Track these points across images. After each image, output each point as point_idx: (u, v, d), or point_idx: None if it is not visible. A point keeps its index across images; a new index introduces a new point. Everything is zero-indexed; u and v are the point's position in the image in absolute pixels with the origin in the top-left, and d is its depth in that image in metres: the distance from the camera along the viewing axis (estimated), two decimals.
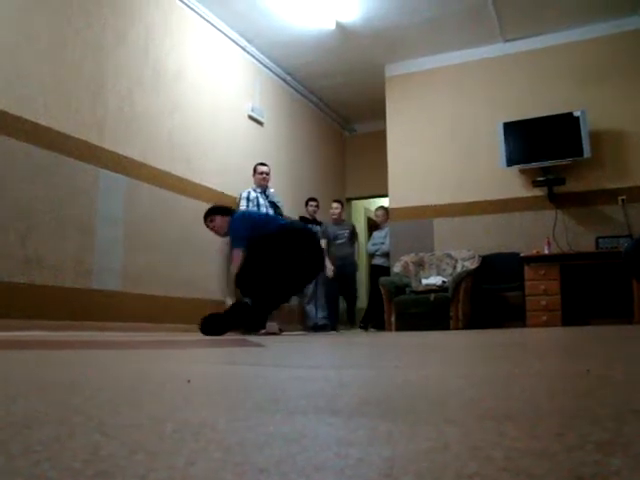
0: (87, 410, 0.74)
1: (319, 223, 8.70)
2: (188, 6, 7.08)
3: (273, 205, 7.56)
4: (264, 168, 7.62)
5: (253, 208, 7.43)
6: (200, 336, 4.72)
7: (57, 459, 0.46)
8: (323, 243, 8.60)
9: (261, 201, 7.48)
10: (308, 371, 1.42)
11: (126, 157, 5.97)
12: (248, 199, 7.41)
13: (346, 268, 8.68)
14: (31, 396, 0.89)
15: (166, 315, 6.31)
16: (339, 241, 8.86)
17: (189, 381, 1.10)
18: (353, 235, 9.07)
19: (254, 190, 7.49)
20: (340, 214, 9.02)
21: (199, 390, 0.99)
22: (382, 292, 7.47)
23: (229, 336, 5.95)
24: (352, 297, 9.19)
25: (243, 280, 5.11)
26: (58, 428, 0.60)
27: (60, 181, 5.22)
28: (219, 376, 1.29)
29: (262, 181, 7.55)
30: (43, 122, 5.11)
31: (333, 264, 8.08)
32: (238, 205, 7.43)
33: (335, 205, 9.04)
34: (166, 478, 0.41)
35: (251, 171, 7.69)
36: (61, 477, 0.41)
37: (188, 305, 6.53)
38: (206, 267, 6.97)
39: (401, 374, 1.29)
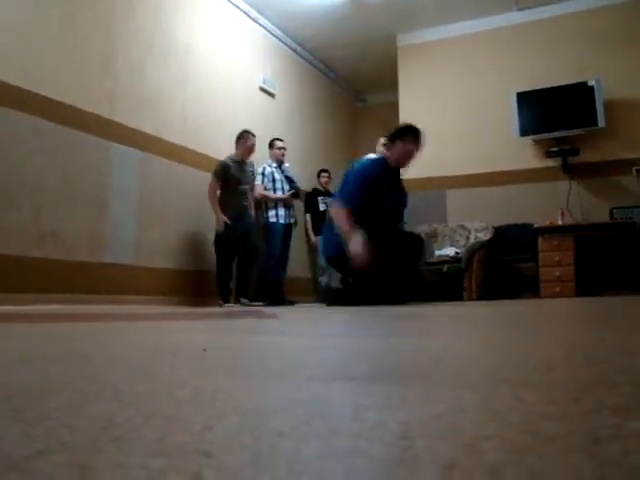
0: (102, 379, 0.74)
1: (332, 194, 8.68)
2: None
3: (288, 180, 7.55)
4: (281, 143, 7.59)
5: (269, 184, 7.40)
6: (211, 308, 4.72)
7: (73, 426, 0.47)
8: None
9: (277, 176, 7.47)
10: (323, 340, 1.42)
11: (138, 130, 5.96)
12: (263, 174, 7.39)
13: None
14: (47, 367, 0.89)
15: (179, 288, 6.35)
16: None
17: (204, 350, 1.10)
18: None
19: (269, 165, 7.47)
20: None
21: (214, 359, 0.99)
22: None
23: (243, 308, 5.99)
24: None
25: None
26: (74, 396, 0.61)
27: (72, 156, 5.23)
28: (234, 346, 1.30)
29: (280, 156, 7.52)
30: (54, 96, 5.10)
31: None
32: (254, 180, 7.42)
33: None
34: (183, 442, 0.41)
35: (263, 143, 7.67)
36: (77, 443, 0.41)
37: (201, 278, 6.56)
38: None
39: (416, 343, 1.29)
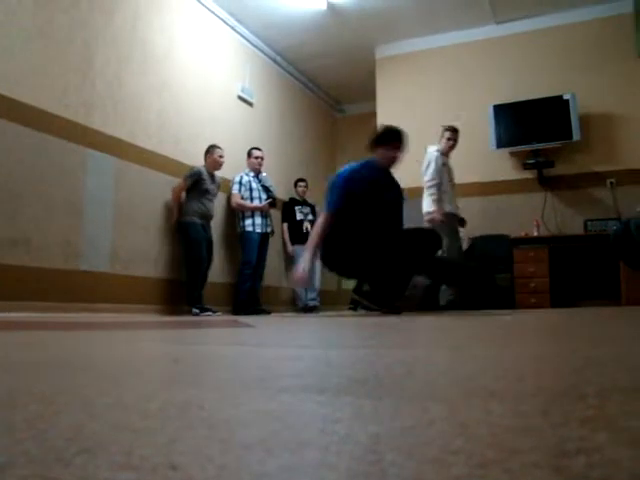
0: (72, 390, 0.73)
1: (309, 204, 8.70)
2: None
3: (266, 189, 7.56)
4: (259, 153, 7.61)
5: (246, 193, 7.41)
6: (188, 317, 4.69)
7: (40, 437, 0.46)
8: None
9: (254, 185, 7.48)
10: (296, 350, 1.42)
11: (114, 137, 5.93)
12: (241, 183, 7.41)
13: None
14: (16, 376, 0.88)
15: (156, 296, 6.31)
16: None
17: (176, 361, 1.10)
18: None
19: (246, 174, 7.49)
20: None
21: (186, 369, 0.98)
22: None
23: (219, 317, 5.97)
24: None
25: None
26: (43, 407, 0.60)
27: (48, 162, 5.19)
28: (207, 356, 1.29)
29: (257, 165, 7.55)
30: (30, 102, 5.06)
31: None
32: (230, 189, 7.43)
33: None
34: (150, 454, 0.41)
35: (240, 152, 7.68)
36: (44, 455, 0.41)
37: (177, 286, 6.52)
38: None
39: (389, 354, 1.30)
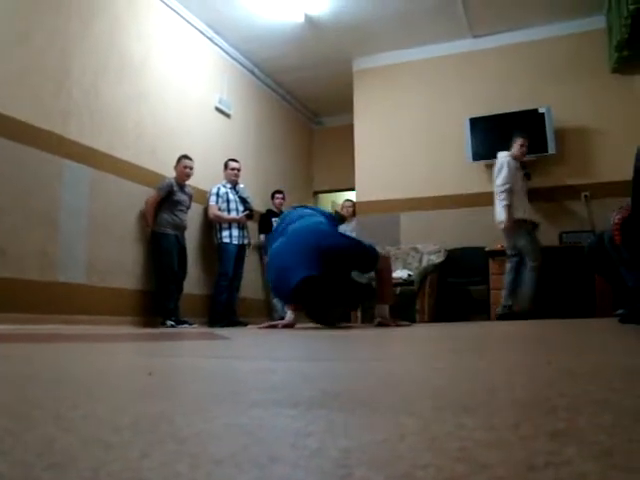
0: (45, 403, 0.73)
1: None
2: None
3: (243, 201, 7.56)
4: (235, 164, 7.62)
5: (223, 204, 7.41)
6: (164, 329, 4.65)
7: (10, 453, 0.46)
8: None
9: (231, 197, 7.48)
10: (271, 363, 1.41)
11: (91, 148, 5.90)
12: (218, 195, 7.41)
13: None
14: None
15: (132, 308, 6.27)
16: None
17: (150, 374, 1.09)
18: None
19: (224, 186, 7.50)
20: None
21: (160, 383, 0.98)
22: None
23: (195, 329, 5.93)
24: None
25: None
26: (13, 422, 0.60)
27: (23, 172, 5.14)
28: (181, 369, 1.29)
29: (233, 177, 7.57)
30: (6, 111, 5.02)
31: None
32: (208, 200, 7.42)
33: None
34: (119, 470, 0.41)
35: (217, 163, 7.68)
36: (12, 471, 0.41)
37: (154, 298, 6.48)
38: None
39: (363, 367, 1.30)
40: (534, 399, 0.73)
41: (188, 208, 6.83)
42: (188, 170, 6.76)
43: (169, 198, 6.51)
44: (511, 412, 0.63)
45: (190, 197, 6.87)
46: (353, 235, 8.70)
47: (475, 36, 8.24)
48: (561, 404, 0.67)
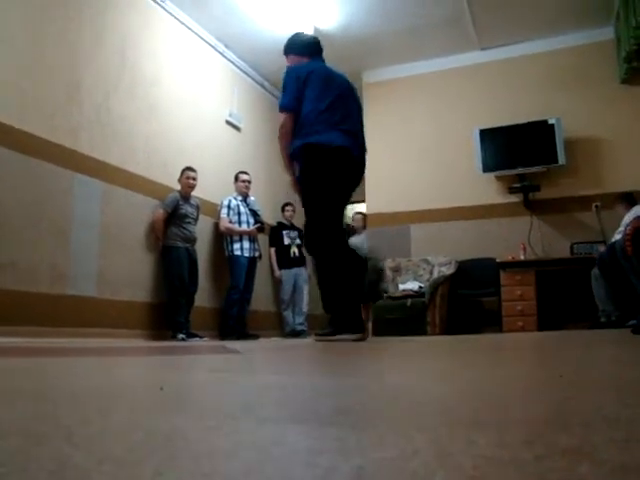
0: (56, 419, 0.73)
1: (296, 228, 8.70)
2: (166, 10, 7.06)
3: (253, 213, 7.58)
4: (246, 177, 7.65)
5: (234, 217, 7.42)
6: (175, 342, 4.66)
7: (22, 471, 0.46)
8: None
9: (242, 209, 7.50)
10: (282, 378, 1.41)
11: (102, 161, 5.92)
12: (229, 207, 7.43)
13: None
14: None
15: (143, 321, 6.27)
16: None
17: (162, 388, 1.09)
18: None
19: (235, 198, 7.52)
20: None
21: (171, 398, 0.98)
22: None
23: (206, 342, 5.93)
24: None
25: None
26: (25, 439, 0.59)
27: (35, 185, 5.17)
28: (192, 383, 1.29)
29: (244, 189, 7.59)
30: (18, 125, 5.05)
31: None
32: (219, 213, 7.44)
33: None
34: None
35: (228, 176, 7.70)
36: None
37: (165, 311, 6.48)
38: None
39: (374, 382, 1.29)
40: (546, 415, 0.73)
41: (196, 220, 6.84)
42: (191, 181, 6.75)
43: (176, 212, 6.53)
44: (524, 428, 0.63)
45: (197, 209, 6.88)
46: (363, 247, 8.70)
47: (483, 48, 8.25)
48: (574, 420, 0.66)
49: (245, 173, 7.71)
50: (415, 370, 1.75)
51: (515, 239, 7.57)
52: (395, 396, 0.97)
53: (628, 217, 5.95)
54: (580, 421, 0.66)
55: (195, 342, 5.96)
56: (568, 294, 7.10)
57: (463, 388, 1.09)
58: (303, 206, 4.34)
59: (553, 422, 0.66)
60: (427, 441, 0.56)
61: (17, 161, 5.02)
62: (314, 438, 0.58)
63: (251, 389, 1.12)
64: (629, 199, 6.45)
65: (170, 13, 7.13)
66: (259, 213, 7.67)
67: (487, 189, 7.96)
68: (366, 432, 0.61)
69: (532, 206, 7.66)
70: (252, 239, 7.52)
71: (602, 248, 6.45)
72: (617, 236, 5.87)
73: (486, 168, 7.80)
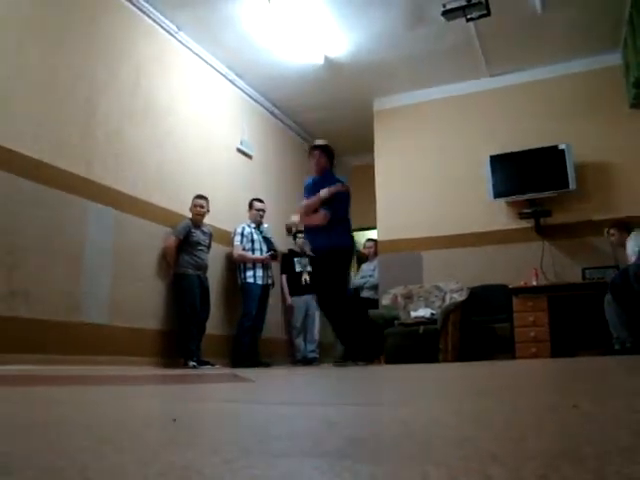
0: (71, 453, 0.73)
1: (307, 255, 8.70)
2: (179, 41, 7.15)
3: (267, 241, 7.60)
4: (261, 205, 7.69)
5: (247, 244, 7.44)
6: (188, 370, 4.65)
7: None
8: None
9: (255, 237, 7.52)
10: (296, 409, 1.41)
11: (114, 189, 5.96)
12: (242, 234, 7.45)
13: None
14: (13, 437, 0.88)
15: (155, 349, 6.27)
16: None
17: (175, 420, 1.09)
18: None
19: (248, 226, 7.55)
20: None
21: (185, 430, 0.98)
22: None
23: (218, 370, 5.92)
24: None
25: None
26: (39, 473, 0.59)
27: (48, 213, 5.21)
28: (206, 414, 1.28)
29: (258, 217, 7.62)
30: (31, 154, 5.10)
31: None
32: (232, 240, 7.46)
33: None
34: None
35: (240, 204, 7.74)
36: None
37: (177, 338, 6.48)
38: None
39: (388, 411, 1.29)
40: (561, 447, 0.72)
41: (208, 247, 6.86)
42: (199, 209, 6.77)
43: (187, 239, 6.56)
44: (539, 462, 0.62)
45: (210, 236, 6.91)
46: (374, 274, 8.69)
47: (492, 75, 8.29)
48: (589, 452, 0.66)
49: (260, 201, 7.74)
50: (427, 398, 1.74)
51: (527, 265, 7.55)
52: (409, 427, 0.96)
53: (635, 243, 5.94)
54: (595, 454, 0.65)
55: (207, 370, 5.95)
56: (581, 320, 7.05)
57: (477, 418, 1.09)
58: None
59: (568, 455, 0.66)
60: (442, 475, 0.55)
61: (31, 190, 5.06)
62: (329, 472, 0.58)
63: (264, 421, 1.12)
64: (625, 226, 6.48)
65: (183, 44, 7.22)
66: (272, 241, 7.69)
67: (498, 215, 7.95)
68: (381, 466, 0.61)
69: (543, 231, 7.65)
70: (265, 267, 7.53)
71: (614, 273, 6.43)
72: (632, 258, 5.84)
73: (497, 194, 7.80)
